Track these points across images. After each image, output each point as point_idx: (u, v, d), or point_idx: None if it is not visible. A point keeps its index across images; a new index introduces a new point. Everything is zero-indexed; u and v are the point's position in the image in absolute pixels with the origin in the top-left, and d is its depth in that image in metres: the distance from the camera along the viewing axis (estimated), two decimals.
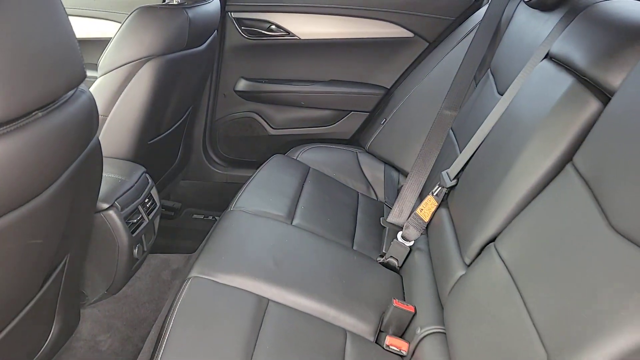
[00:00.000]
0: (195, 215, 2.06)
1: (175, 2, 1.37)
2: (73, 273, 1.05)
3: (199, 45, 1.48)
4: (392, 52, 1.88)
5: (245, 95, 1.97)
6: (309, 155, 1.82)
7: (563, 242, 0.77)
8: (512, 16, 1.49)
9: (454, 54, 1.70)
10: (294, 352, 1.00)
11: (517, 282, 0.83)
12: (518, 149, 0.98)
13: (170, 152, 1.71)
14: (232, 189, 1.57)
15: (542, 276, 0.79)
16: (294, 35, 1.86)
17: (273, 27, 1.86)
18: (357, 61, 1.91)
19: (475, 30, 1.65)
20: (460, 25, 1.77)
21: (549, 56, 1.11)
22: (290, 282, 1.16)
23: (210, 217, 2.05)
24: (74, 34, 0.73)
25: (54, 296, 1.01)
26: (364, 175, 1.83)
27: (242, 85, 1.96)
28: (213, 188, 2.11)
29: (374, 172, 1.84)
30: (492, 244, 0.97)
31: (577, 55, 0.97)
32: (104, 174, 1.19)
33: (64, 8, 0.71)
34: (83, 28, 1.77)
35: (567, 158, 0.88)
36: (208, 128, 2.01)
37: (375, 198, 1.77)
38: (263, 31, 1.86)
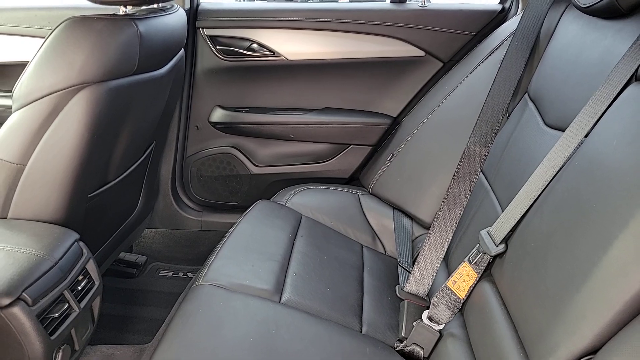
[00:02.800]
0: (162, 272, 1.71)
1: (121, 12, 1.04)
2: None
3: (158, 68, 1.14)
4: (399, 75, 1.59)
5: (222, 127, 1.66)
6: (300, 199, 1.50)
7: None
8: (555, 28, 1.19)
9: (475, 77, 1.41)
10: None
11: None
12: (619, 213, 0.65)
13: (125, 201, 1.37)
14: (207, 239, 1.29)
15: None
16: (279, 56, 1.57)
17: (254, 45, 1.57)
18: (357, 86, 1.62)
19: (501, 47, 1.37)
20: (481, 41, 1.48)
21: (637, 78, 0.80)
22: None
23: (181, 274, 1.71)
24: None
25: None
26: (368, 223, 1.51)
27: (218, 115, 1.65)
28: (185, 238, 1.79)
29: (381, 219, 1.51)
30: (591, 357, 0.63)
31: None
32: (9, 248, 0.84)
33: None
34: (12, 48, 1.42)
35: None
36: (178, 167, 1.70)
37: (383, 252, 1.44)
38: (243, 51, 1.57)
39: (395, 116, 1.63)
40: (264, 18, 1.54)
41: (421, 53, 1.54)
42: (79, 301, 0.92)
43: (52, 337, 0.83)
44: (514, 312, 0.84)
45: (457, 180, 1.20)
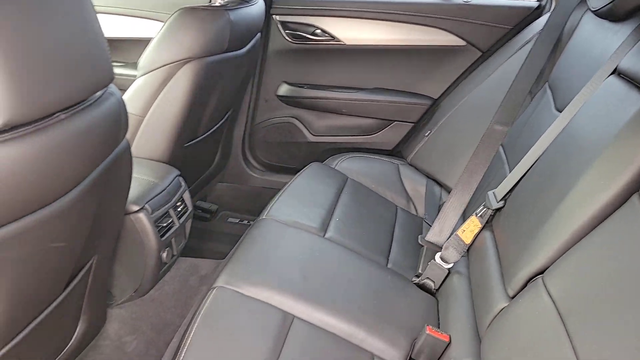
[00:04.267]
0: (230, 219, 2.04)
1: (217, 4, 1.35)
2: (100, 274, 1.03)
3: (241, 48, 1.45)
4: (442, 61, 1.79)
5: (286, 100, 1.93)
6: (347, 165, 1.76)
7: (624, 285, 0.67)
8: (576, 26, 1.37)
9: (509, 65, 1.59)
10: None
11: (566, 324, 0.74)
12: (577, 173, 0.88)
13: (207, 155, 1.69)
14: (268, 194, 1.54)
15: (596, 322, 0.69)
16: (339, 41, 1.81)
17: (318, 31, 1.81)
18: (404, 69, 1.83)
19: (533, 40, 1.55)
20: (517, 34, 1.65)
21: (617, 72, 1.00)
22: (318, 299, 1.10)
23: (245, 222, 2.03)
24: (102, 34, 0.70)
25: (79, 296, 1.00)
26: (405, 188, 1.75)
27: (283, 90, 1.93)
28: (250, 192, 2.09)
29: (416, 185, 1.75)
30: (539, 277, 0.87)
31: None
32: (136, 176, 1.17)
33: (93, 7, 0.68)
34: (129, 27, 1.78)
35: (634, 188, 0.78)
36: (248, 132, 1.99)
37: (415, 213, 1.69)
38: (308, 35, 1.82)
39: (435, 98, 1.83)
40: (328, 8, 1.79)
41: (462, 43, 1.73)
42: (178, 219, 1.25)
43: (161, 239, 1.17)
44: (500, 250, 1.08)
45: (479, 152, 1.43)
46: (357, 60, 1.84)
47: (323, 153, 1.96)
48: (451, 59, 1.78)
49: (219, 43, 1.30)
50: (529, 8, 1.69)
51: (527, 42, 1.58)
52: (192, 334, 0.93)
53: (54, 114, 0.64)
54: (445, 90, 1.81)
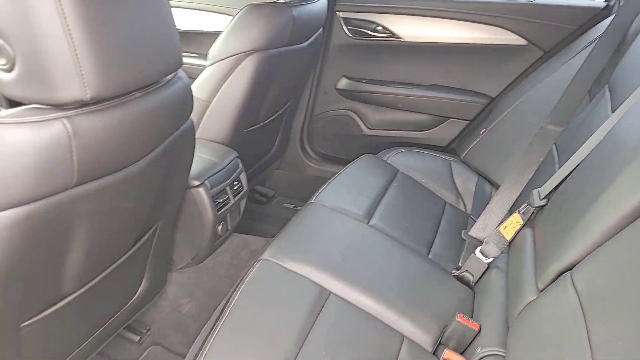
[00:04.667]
0: (285, 204, 2.15)
1: (282, 0, 1.45)
2: (163, 238, 1.17)
3: (302, 42, 1.54)
4: (502, 60, 1.78)
5: (345, 93, 2.01)
6: (399, 159, 1.81)
7: None
8: None
9: (570, 66, 1.56)
10: (346, 348, 1.01)
11: (587, 318, 0.76)
12: (614, 173, 0.88)
13: (266, 141, 1.81)
14: (322, 183, 1.62)
15: (614, 319, 0.71)
16: (399, 37, 1.85)
17: (379, 28, 1.87)
18: (463, 67, 1.84)
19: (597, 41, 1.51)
20: (582, 35, 1.62)
21: None
22: (355, 279, 1.17)
23: (299, 208, 2.13)
24: (174, 26, 0.81)
25: (144, 255, 1.14)
26: (455, 185, 1.77)
27: (343, 83, 2.00)
28: (305, 180, 2.18)
29: (466, 183, 1.76)
30: (568, 272, 0.89)
31: None
32: (199, 155, 1.30)
33: (168, 2, 0.80)
34: (202, 21, 1.94)
35: None
36: (307, 123, 2.09)
37: (464, 210, 1.70)
38: (369, 32, 1.88)
39: (493, 96, 1.83)
40: (389, 5, 1.84)
41: (524, 42, 1.71)
42: (234, 197, 1.37)
43: (217, 213, 1.29)
44: (537, 246, 1.09)
45: (530, 152, 1.42)
46: (416, 57, 1.88)
47: (377, 146, 2.01)
48: (512, 58, 1.77)
49: (281, 37, 1.40)
50: (595, 8, 1.64)
51: (591, 43, 1.54)
52: (235, 298, 1.04)
53: (131, 92, 0.76)
54: (504, 89, 1.80)
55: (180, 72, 0.90)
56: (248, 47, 1.35)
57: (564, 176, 1.14)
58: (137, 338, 1.36)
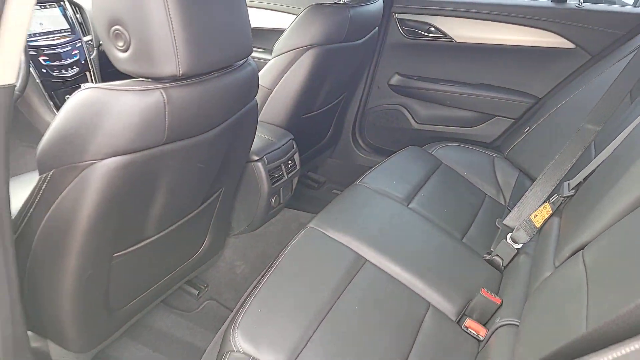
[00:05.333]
0: (335, 190, 2.31)
1: (342, 2, 1.60)
2: (225, 203, 1.36)
3: (357, 40, 1.69)
4: (549, 62, 1.84)
5: (396, 89, 2.13)
6: (444, 152, 1.91)
7: None
8: None
9: (615, 69, 1.61)
10: (375, 309, 1.15)
11: (589, 285, 0.86)
12: (630, 163, 0.97)
13: (320, 129, 1.98)
14: None
15: (610, 283, 0.80)
16: (450, 38, 1.96)
17: (432, 29, 1.98)
18: (510, 68, 1.92)
19: None
20: (629, 40, 1.65)
21: None
22: (389, 250, 1.30)
23: None
24: (248, 20, 0.99)
25: (209, 216, 1.34)
26: (497, 179, 1.85)
27: (395, 79, 2.13)
28: (355, 170, 2.32)
29: (508, 178, 1.84)
30: (581, 251, 0.98)
31: None
32: (259, 134, 1.49)
33: (245, 1, 0.97)
34: (269, 19, 2.14)
35: None
36: (359, 115, 2.23)
37: (503, 203, 1.78)
38: (422, 32, 2.00)
39: (540, 97, 1.89)
40: (442, 8, 1.95)
41: (572, 45, 1.77)
42: (287, 174, 1.55)
43: (272, 186, 1.47)
44: (561, 233, 1.18)
45: (567, 149, 1.50)
46: (465, 57, 1.97)
47: (424, 140, 2.11)
48: (559, 61, 1.83)
49: (338, 34, 1.56)
50: None
51: (637, 48, 1.58)
52: (281, 259, 1.20)
53: (211, 72, 0.94)
54: (551, 91, 1.86)
55: (250, 60, 1.08)
56: (308, 42, 1.52)
57: (593, 169, 1.21)
58: (196, 292, 1.57)
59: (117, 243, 1.01)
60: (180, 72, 0.84)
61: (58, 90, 1.70)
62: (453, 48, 1.97)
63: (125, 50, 0.83)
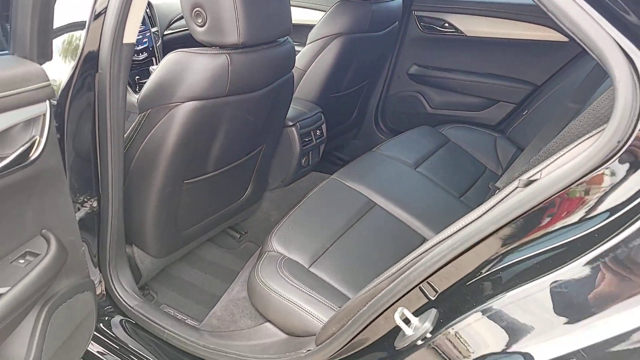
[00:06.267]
0: None
1: None
2: (266, 158, 1.70)
3: (378, 31, 2.01)
4: (546, 54, 2.10)
5: (414, 78, 2.43)
6: (452, 132, 2.20)
7: None
8: None
9: None
10: (379, 237, 1.47)
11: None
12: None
13: (346, 109, 2.30)
14: None
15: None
16: (462, 33, 2.24)
17: (446, 24, 2.27)
18: (513, 59, 2.18)
19: None
20: None
21: None
22: (395, 198, 1.62)
23: None
24: (289, 6, 1.33)
25: (251, 167, 1.68)
26: (497, 156, 2.13)
27: (413, 69, 2.43)
28: None
29: (507, 154, 2.12)
30: None
31: None
32: (294, 106, 1.83)
33: None
34: (302, 15, 2.50)
35: None
36: (382, 102, 2.54)
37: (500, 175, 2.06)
38: (437, 27, 2.29)
39: (539, 84, 2.16)
40: (455, 6, 2.23)
41: (565, 39, 2.03)
42: (316, 140, 1.88)
43: (303, 148, 1.81)
44: None
45: (551, 124, 1.77)
46: (475, 49, 2.25)
47: (437, 123, 2.39)
48: (555, 52, 2.08)
49: (361, 25, 1.89)
50: None
51: None
52: (304, 200, 1.53)
53: (260, 44, 1.28)
54: (548, 79, 2.12)
55: (289, 38, 1.42)
56: (336, 31, 1.85)
57: None
58: (238, 235, 1.91)
59: (188, 170, 1.36)
60: (241, 41, 1.18)
61: (130, 71, 2.09)
62: (464, 41, 2.26)
63: (202, 26, 1.18)
